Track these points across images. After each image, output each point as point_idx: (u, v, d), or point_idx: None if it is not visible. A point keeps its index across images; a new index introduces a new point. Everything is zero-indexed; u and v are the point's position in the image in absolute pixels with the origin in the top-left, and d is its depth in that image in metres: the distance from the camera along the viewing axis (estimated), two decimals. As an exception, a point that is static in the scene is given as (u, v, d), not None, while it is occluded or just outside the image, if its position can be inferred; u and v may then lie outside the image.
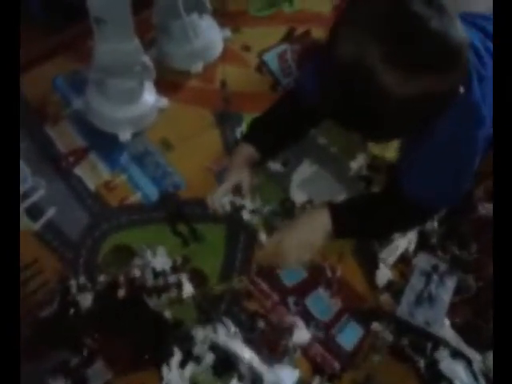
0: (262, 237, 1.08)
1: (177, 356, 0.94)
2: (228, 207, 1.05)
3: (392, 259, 1.08)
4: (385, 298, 1.03)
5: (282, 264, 0.99)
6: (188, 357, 0.95)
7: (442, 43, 0.71)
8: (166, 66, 1.31)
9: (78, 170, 1.18)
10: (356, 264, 1.09)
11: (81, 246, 1.09)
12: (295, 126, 1.10)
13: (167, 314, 1.00)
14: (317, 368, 0.99)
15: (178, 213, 1.13)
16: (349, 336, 1.02)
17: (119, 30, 1.07)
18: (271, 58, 1.37)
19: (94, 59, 1.13)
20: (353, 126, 0.83)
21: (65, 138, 1.22)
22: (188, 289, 1.03)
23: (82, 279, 1.04)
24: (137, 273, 1.04)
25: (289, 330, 1.00)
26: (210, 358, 0.94)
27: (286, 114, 1.08)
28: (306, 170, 1.21)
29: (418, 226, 1.09)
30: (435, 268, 1.04)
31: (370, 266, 1.08)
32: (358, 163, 1.19)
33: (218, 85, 1.32)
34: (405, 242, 1.10)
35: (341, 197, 1.17)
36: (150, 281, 1.03)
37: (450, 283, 1.01)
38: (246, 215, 1.09)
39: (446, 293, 0.99)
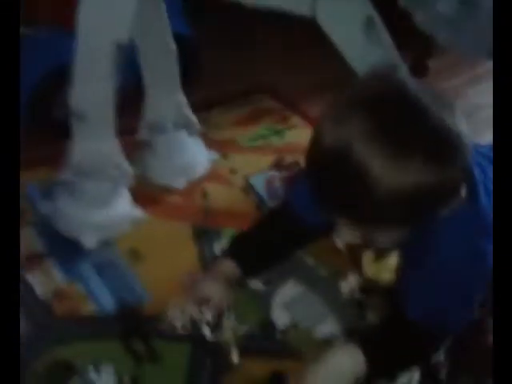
0: (235, 359, 0.89)
1: None
2: (188, 322, 0.90)
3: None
4: None
5: None
6: None
7: (437, 133, 0.65)
8: (147, 182, 1.25)
9: (30, 276, 1.04)
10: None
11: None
12: (282, 244, 0.99)
13: None
14: None
15: (135, 327, 0.95)
16: None
17: (100, 126, 1.03)
18: (258, 182, 1.31)
19: (69, 159, 1.07)
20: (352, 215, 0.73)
21: (24, 242, 1.10)
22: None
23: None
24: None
25: None
26: None
27: (274, 232, 0.98)
28: (290, 290, 1.06)
29: (429, 355, 0.90)
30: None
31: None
32: (349, 285, 1.04)
33: (199, 200, 1.25)
34: (406, 378, 0.91)
35: (329, 321, 1.00)
36: (87, 405, 0.82)
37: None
38: (210, 334, 0.92)
39: None
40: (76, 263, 1.06)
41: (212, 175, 1.31)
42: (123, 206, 1.14)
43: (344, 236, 0.74)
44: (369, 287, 1.04)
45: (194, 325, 0.93)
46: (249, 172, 1.34)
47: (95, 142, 1.03)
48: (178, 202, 1.25)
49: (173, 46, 1.15)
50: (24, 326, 0.94)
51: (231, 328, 0.94)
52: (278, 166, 1.38)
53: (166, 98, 1.20)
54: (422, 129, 0.64)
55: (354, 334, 0.86)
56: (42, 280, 1.03)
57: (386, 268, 1.01)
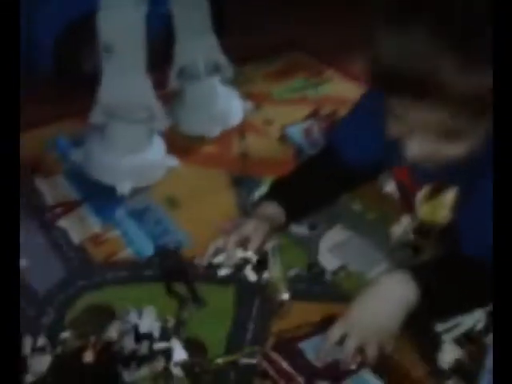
0: (285, 296, 0.83)
1: None
2: (230, 262, 0.85)
3: (453, 336, 0.81)
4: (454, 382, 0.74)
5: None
6: None
7: None
8: (181, 132, 1.20)
9: (64, 222, 0.99)
10: (408, 342, 0.81)
11: (47, 302, 0.84)
12: (327, 188, 0.94)
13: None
14: None
15: (176, 270, 0.90)
16: None
17: (130, 60, 0.97)
18: (296, 131, 1.25)
19: (98, 98, 1.01)
20: None
21: (56, 190, 1.05)
22: (180, 359, 0.76)
23: (42, 340, 0.78)
24: (114, 336, 0.78)
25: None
26: None
27: (318, 176, 0.93)
28: (337, 235, 0.99)
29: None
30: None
31: (428, 345, 0.81)
32: (401, 227, 0.98)
33: (234, 149, 1.19)
34: (470, 320, 0.84)
35: (381, 265, 0.94)
36: (129, 346, 0.77)
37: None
38: (254, 275, 0.87)
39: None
40: (111, 209, 1.01)
41: (246, 125, 1.25)
42: (157, 153, 1.08)
43: (414, 148, 0.67)
44: (423, 228, 0.97)
45: (237, 266, 0.88)
46: (285, 122, 1.27)
47: (124, 79, 0.97)
48: (213, 151, 1.19)
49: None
50: (60, 272, 0.90)
51: (278, 270, 0.88)
52: (315, 116, 1.31)
53: (198, 40, 1.14)
54: None
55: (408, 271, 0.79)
56: (77, 226, 0.98)
57: (441, 205, 0.94)
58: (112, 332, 0.78)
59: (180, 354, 0.76)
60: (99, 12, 0.92)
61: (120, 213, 1.01)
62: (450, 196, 0.93)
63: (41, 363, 0.73)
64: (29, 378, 0.73)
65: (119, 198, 1.03)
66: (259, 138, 1.23)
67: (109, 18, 0.91)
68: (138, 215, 1.01)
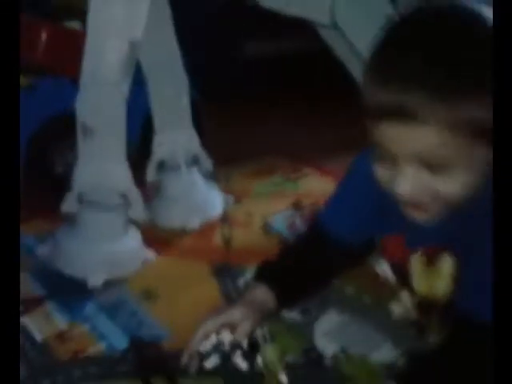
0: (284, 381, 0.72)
1: None
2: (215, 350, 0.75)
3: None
4: None
5: None
6: None
7: None
8: (159, 226, 1.14)
9: (27, 320, 0.88)
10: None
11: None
12: (317, 269, 0.87)
13: None
14: None
15: (155, 363, 0.78)
16: None
17: (109, 143, 0.93)
18: (279, 221, 1.21)
19: (72, 185, 0.96)
20: None
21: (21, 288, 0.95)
22: None
23: None
24: None
25: None
26: None
27: (307, 256, 0.86)
28: (333, 318, 0.90)
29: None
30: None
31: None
32: (401, 305, 0.90)
33: (216, 242, 1.12)
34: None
35: (385, 346, 0.84)
36: None
37: None
38: (245, 363, 0.76)
39: None
40: (80, 304, 0.91)
41: (228, 216, 1.20)
42: (133, 243, 1.01)
43: (406, 182, 0.62)
44: (425, 304, 0.89)
45: (226, 353, 0.77)
46: (266, 214, 1.23)
47: (102, 163, 0.93)
48: (193, 242, 1.13)
49: (184, 77, 1.11)
50: (21, 373, 0.77)
51: (272, 355, 0.78)
52: (296, 207, 1.28)
53: (177, 133, 1.13)
54: None
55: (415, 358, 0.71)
56: (41, 324, 0.87)
57: (440, 275, 0.87)
58: None
59: None
60: (79, 94, 0.91)
61: (90, 307, 0.91)
62: (447, 264, 0.87)
63: None
64: None
65: (89, 292, 0.93)
66: (241, 228, 1.18)
67: (89, 98, 0.90)
68: (111, 309, 0.91)
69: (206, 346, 0.77)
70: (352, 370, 0.80)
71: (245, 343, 0.77)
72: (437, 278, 0.89)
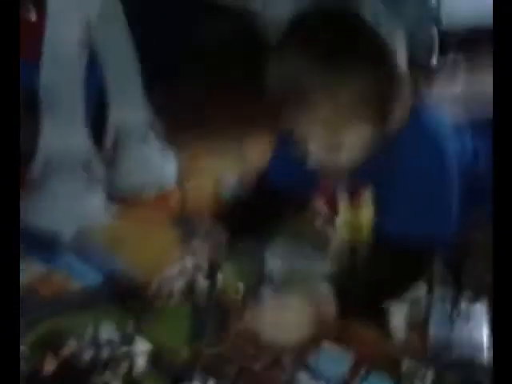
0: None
1: None
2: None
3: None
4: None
5: None
6: None
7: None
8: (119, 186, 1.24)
9: (7, 271, 0.97)
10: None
11: None
12: (263, 209, 1.01)
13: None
14: None
15: (129, 293, 0.90)
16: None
17: (69, 114, 1.04)
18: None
19: (37, 155, 1.06)
20: None
21: None
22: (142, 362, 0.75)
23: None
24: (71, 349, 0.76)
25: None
26: None
27: (256, 200, 1.00)
28: (279, 243, 1.05)
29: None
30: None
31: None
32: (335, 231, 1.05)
33: (173, 200, 1.24)
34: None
35: (325, 264, 0.99)
36: (88, 355, 0.75)
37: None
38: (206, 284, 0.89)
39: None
40: (55, 253, 1.02)
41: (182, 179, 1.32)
42: (97, 200, 1.12)
43: (314, 150, 0.76)
44: (353, 229, 1.04)
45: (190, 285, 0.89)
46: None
47: (65, 132, 1.04)
48: (153, 203, 1.25)
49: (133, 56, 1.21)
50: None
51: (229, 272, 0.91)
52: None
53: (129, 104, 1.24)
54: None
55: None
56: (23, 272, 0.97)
57: (362, 207, 1.01)
58: (71, 344, 0.76)
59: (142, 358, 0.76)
60: (41, 72, 1.00)
61: (65, 255, 1.02)
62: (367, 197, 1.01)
63: None
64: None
65: (63, 243, 1.04)
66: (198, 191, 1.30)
67: (49, 72, 1.00)
68: (84, 256, 1.02)
69: (173, 271, 0.90)
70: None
71: (205, 265, 0.90)
72: (360, 209, 1.04)
